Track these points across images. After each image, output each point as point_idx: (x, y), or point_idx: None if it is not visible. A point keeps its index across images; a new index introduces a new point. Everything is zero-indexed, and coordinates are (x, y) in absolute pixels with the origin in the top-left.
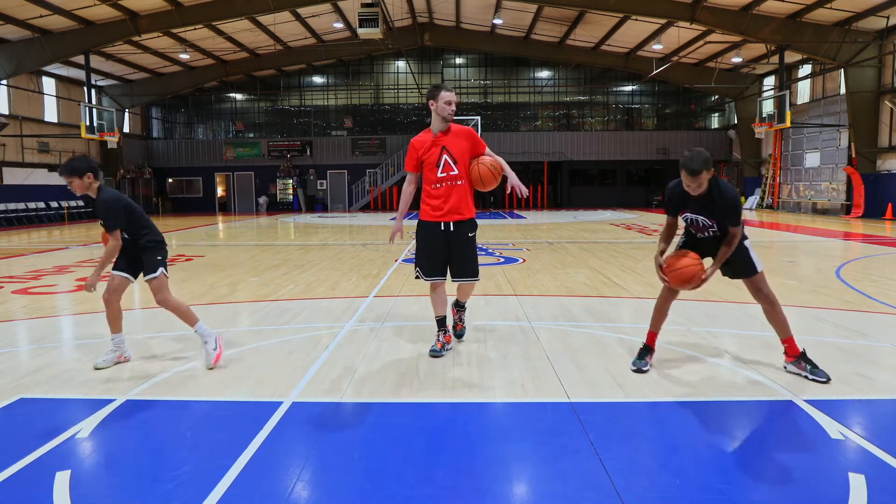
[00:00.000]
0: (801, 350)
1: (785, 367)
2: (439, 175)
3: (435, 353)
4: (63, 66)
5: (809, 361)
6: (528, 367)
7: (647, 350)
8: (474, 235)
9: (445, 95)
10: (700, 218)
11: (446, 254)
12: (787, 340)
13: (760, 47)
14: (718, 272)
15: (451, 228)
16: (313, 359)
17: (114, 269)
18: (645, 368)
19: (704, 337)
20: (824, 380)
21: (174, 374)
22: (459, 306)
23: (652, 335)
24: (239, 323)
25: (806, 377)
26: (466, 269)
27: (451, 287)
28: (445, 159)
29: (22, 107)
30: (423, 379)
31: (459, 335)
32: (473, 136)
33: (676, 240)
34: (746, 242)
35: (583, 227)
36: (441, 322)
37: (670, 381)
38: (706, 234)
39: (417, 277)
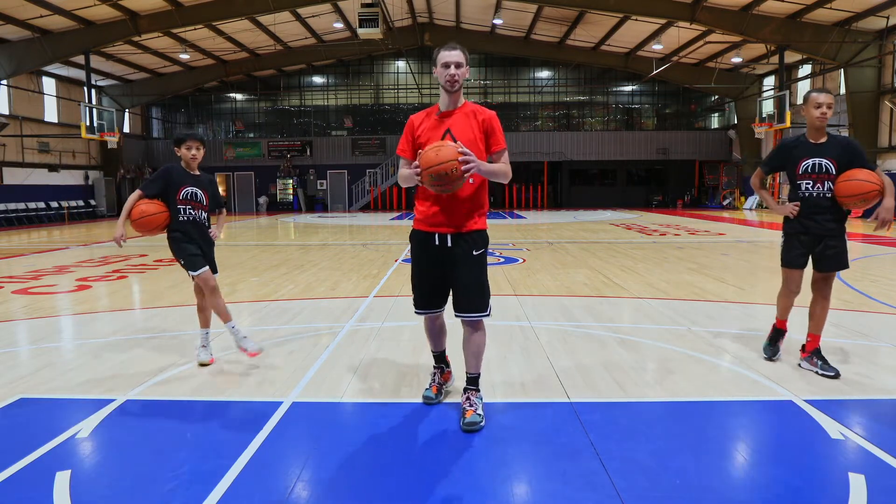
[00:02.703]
0: (818, 347)
1: (799, 364)
2: None
3: (429, 399)
4: (63, 66)
5: (822, 358)
6: (528, 367)
7: (778, 334)
8: (482, 254)
9: (442, 56)
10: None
11: (443, 278)
12: (817, 337)
13: (760, 47)
14: (810, 265)
15: (449, 244)
16: (313, 359)
17: (203, 268)
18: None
19: (704, 337)
20: (832, 374)
21: (174, 374)
22: (470, 382)
23: (780, 322)
24: (239, 323)
25: (816, 373)
26: (466, 299)
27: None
28: None
29: (22, 107)
30: (423, 379)
31: (470, 426)
32: (493, 123)
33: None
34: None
35: (583, 227)
36: (439, 357)
37: (670, 381)
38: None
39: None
